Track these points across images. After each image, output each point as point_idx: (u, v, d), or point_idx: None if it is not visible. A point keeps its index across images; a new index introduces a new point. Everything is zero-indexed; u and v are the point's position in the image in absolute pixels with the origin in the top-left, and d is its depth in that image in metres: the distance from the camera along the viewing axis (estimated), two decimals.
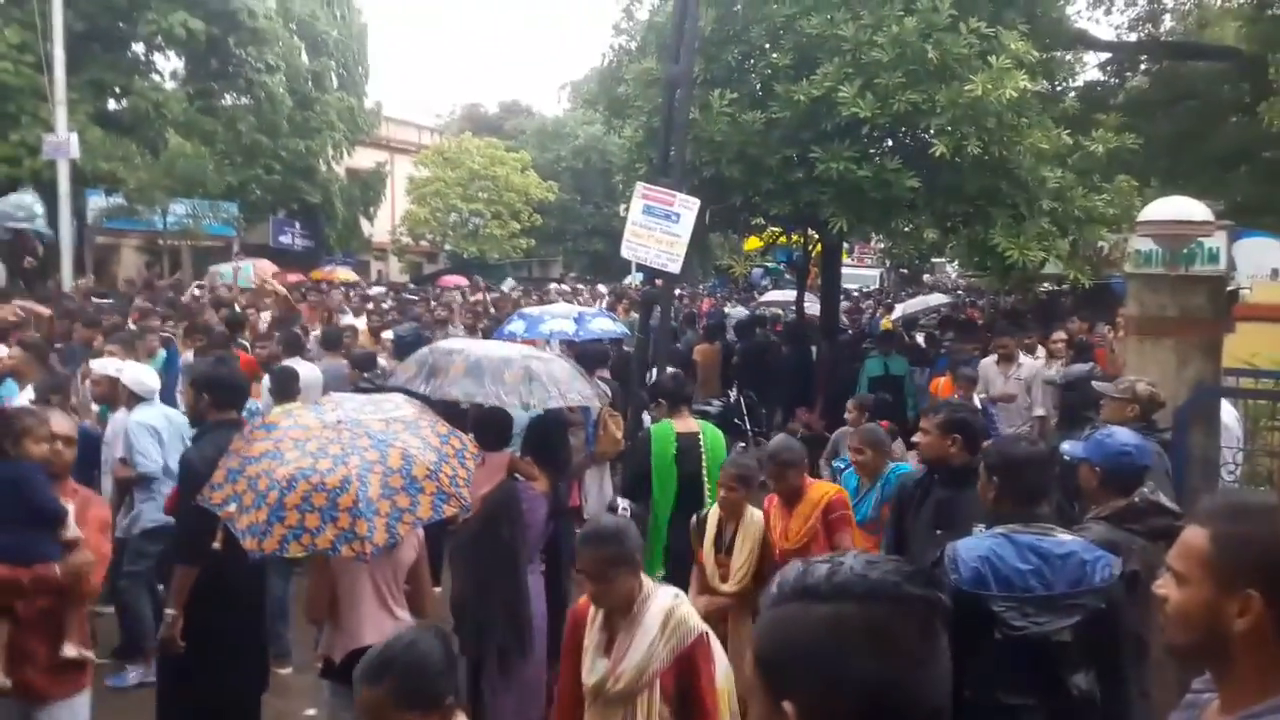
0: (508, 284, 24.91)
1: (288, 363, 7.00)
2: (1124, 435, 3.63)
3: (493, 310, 14.72)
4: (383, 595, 3.82)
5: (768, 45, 8.89)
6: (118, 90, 21.18)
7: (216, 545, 3.77)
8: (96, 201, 20.42)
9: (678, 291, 16.65)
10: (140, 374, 5.78)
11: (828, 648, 1.08)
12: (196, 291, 13.73)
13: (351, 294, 17.71)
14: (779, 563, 4.28)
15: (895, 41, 7.75)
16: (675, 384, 5.86)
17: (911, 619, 1.09)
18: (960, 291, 26.23)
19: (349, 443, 3.53)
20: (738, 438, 10.38)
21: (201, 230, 20.39)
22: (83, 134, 17.03)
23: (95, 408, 6.23)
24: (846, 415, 6.81)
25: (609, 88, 10.18)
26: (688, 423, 5.50)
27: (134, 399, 5.62)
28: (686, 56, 7.52)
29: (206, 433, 4.38)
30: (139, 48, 22.13)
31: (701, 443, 5.41)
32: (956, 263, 23.09)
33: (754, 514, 4.52)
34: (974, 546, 2.85)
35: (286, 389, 6.27)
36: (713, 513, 4.60)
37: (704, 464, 5.34)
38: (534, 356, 5.01)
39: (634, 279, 25.61)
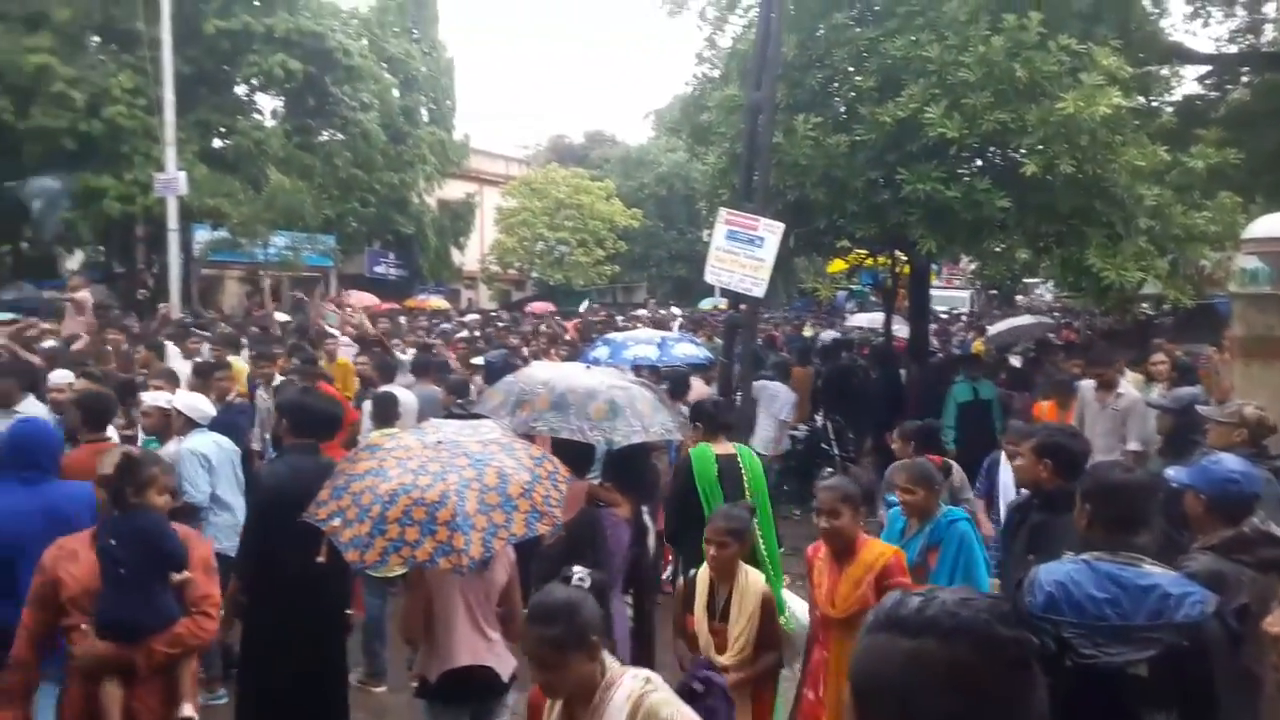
0: (583, 306, 25.19)
1: (385, 389, 7.21)
2: (1231, 462, 3.49)
3: (566, 335, 14.82)
4: (475, 616, 3.89)
5: (851, 69, 8.87)
6: (222, 129, 22.22)
7: (320, 559, 3.90)
8: (202, 235, 21.40)
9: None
10: (194, 399, 5.86)
11: (908, 682, 1.08)
12: (281, 317, 14.12)
13: (437, 321, 18.11)
14: (817, 624, 4.05)
15: (982, 61, 7.65)
16: (715, 409, 5.84)
17: (998, 659, 1.08)
18: (1055, 313, 25.47)
19: (448, 461, 3.66)
20: (825, 463, 10.28)
21: (300, 262, 21.16)
22: (190, 172, 17.89)
23: (142, 438, 6.08)
24: (893, 446, 6.24)
25: (692, 115, 10.27)
26: (725, 446, 5.50)
27: (189, 425, 5.62)
28: (769, 82, 7.56)
29: (281, 455, 4.60)
30: (241, 89, 23.21)
31: (740, 464, 5.40)
32: (1051, 283, 22.47)
33: (750, 576, 4.01)
34: (1052, 571, 2.78)
35: (386, 414, 6.47)
36: (702, 574, 4.08)
37: (746, 484, 5.32)
38: (618, 387, 4.95)
39: (712, 302, 25.60)
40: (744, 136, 7.97)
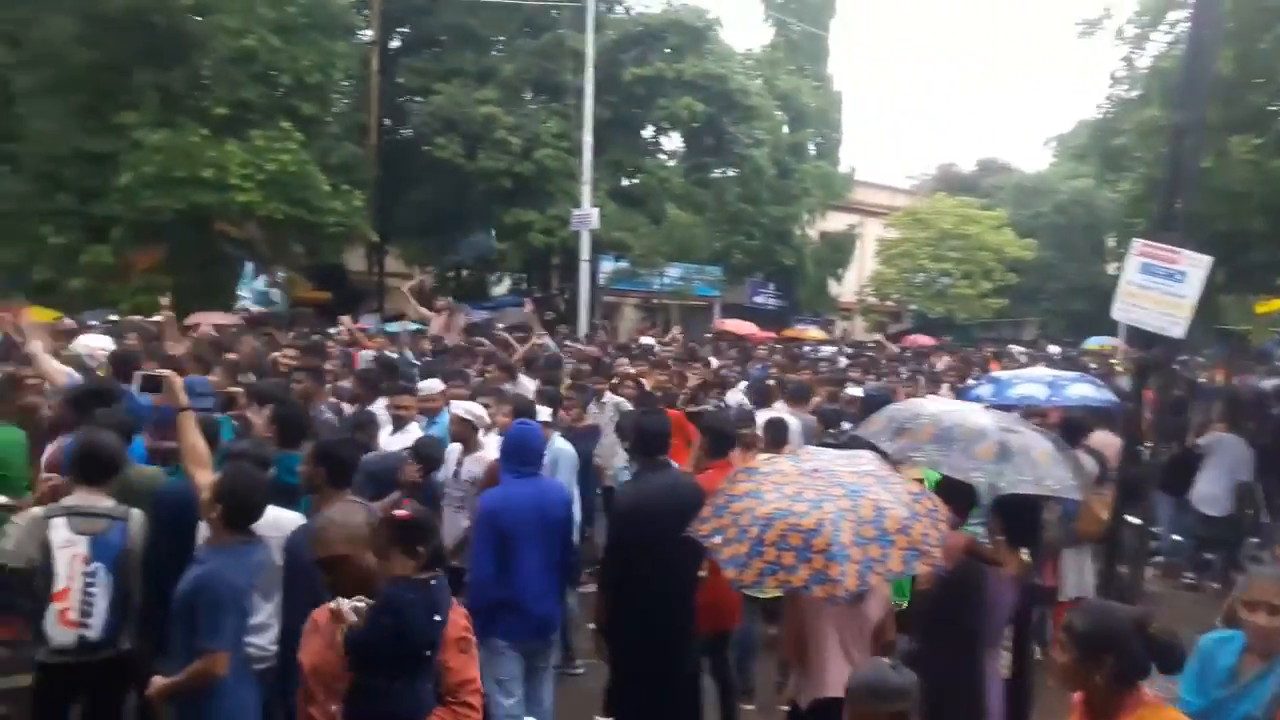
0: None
1: (775, 414, 7.48)
2: None
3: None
4: (847, 648, 3.89)
5: None
6: (631, 169, 24.25)
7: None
8: (607, 265, 23.51)
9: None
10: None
11: None
12: (650, 341, 14.92)
13: (813, 348, 18.19)
14: None
15: None
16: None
17: None
18: None
19: (823, 490, 3.68)
20: (1253, 532, 8.95)
21: (691, 291, 22.49)
22: (602, 208, 19.76)
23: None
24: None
25: (1103, 139, 9.56)
26: None
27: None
28: (1198, 101, 6.82)
29: (637, 474, 4.95)
30: (649, 131, 25.18)
31: None
32: None
33: None
34: None
35: (777, 438, 6.71)
36: None
37: None
38: (1013, 431, 4.58)
39: (1101, 341, 23.15)
40: (1166, 160, 7.24)
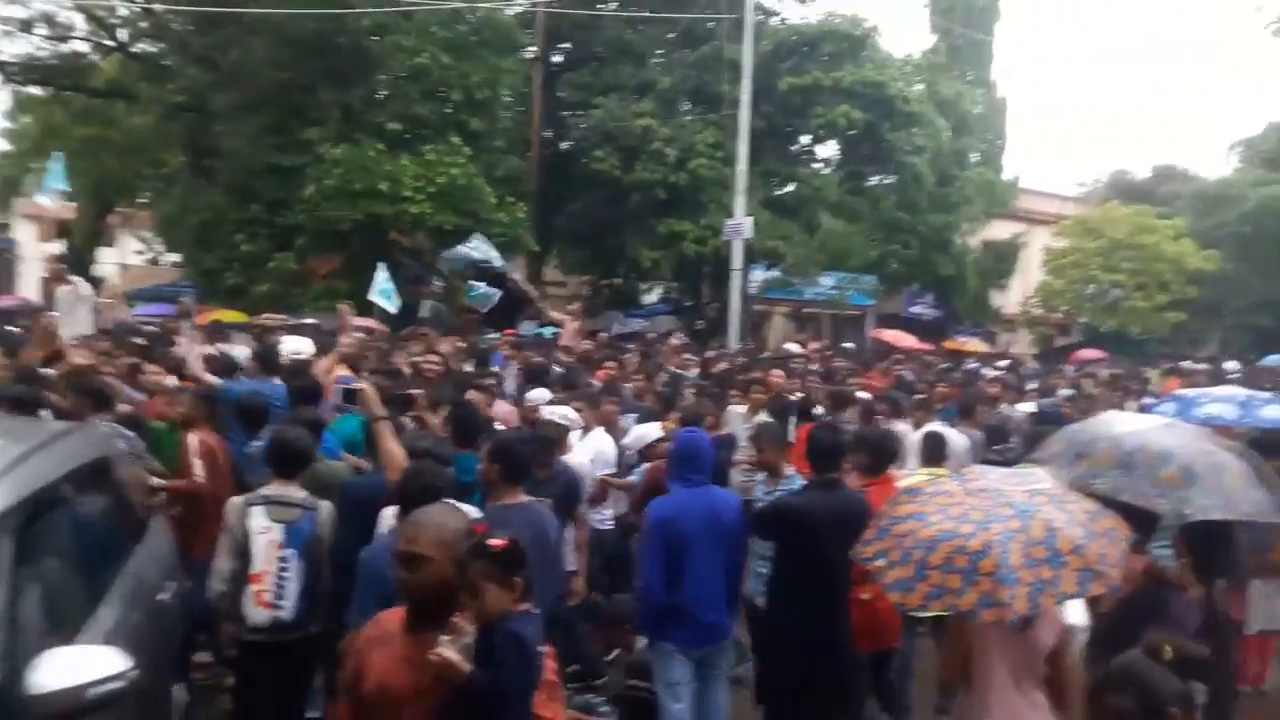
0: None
1: (932, 428, 7.32)
2: None
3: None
4: (1017, 676, 3.75)
5: None
6: (784, 178, 24.11)
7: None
8: (758, 274, 23.43)
9: None
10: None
11: None
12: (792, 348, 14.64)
13: (977, 363, 17.54)
14: None
15: None
16: None
17: None
18: None
19: (990, 510, 3.57)
20: None
21: (845, 300, 22.10)
22: (755, 217, 19.72)
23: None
24: None
25: None
26: None
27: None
28: None
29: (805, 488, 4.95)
30: (804, 139, 24.96)
31: None
32: None
33: None
34: None
35: (935, 453, 6.57)
36: None
37: None
38: (1203, 452, 4.35)
39: (1276, 359, 21.30)
40: None
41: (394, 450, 4.40)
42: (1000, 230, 30.50)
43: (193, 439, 5.83)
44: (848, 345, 18.92)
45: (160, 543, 4.66)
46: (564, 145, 25.17)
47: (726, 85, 20.04)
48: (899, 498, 3.96)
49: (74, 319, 9.33)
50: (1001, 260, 30.02)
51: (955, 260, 26.79)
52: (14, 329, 9.49)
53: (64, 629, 3.09)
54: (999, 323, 32.48)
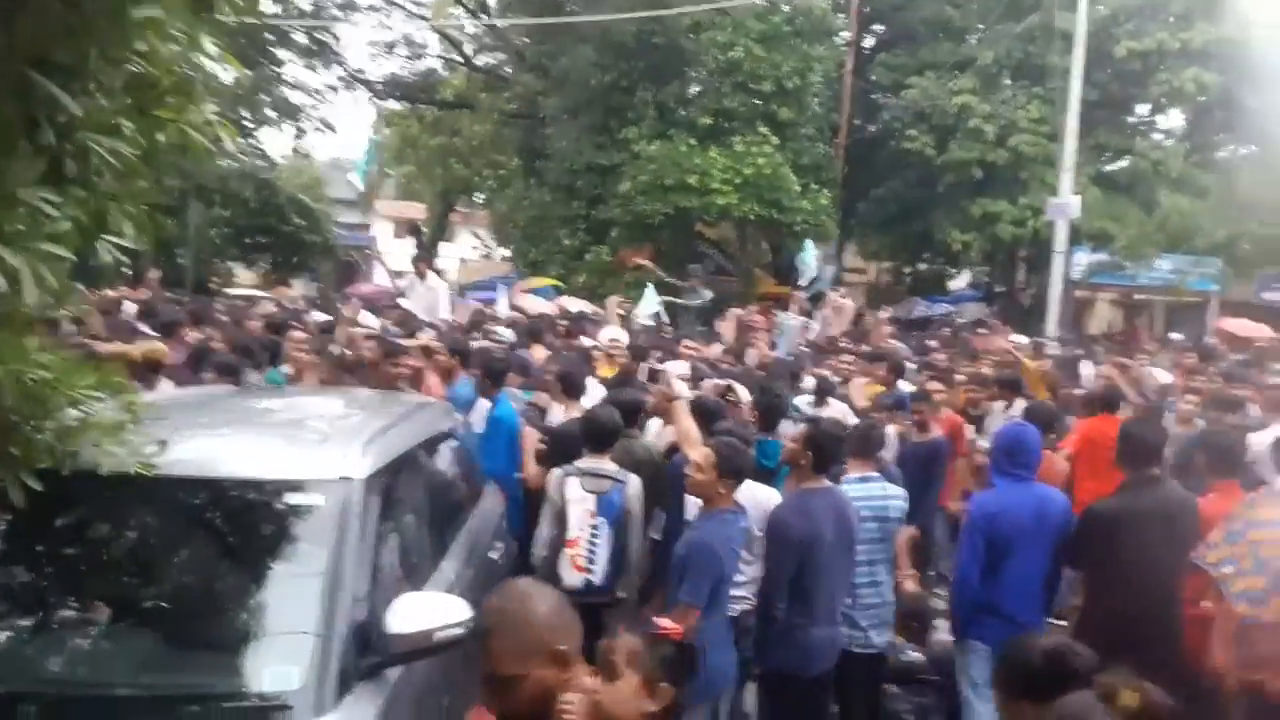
0: None
1: None
2: None
3: None
4: None
5: None
6: (1117, 152, 22.00)
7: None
8: (1081, 257, 21.54)
9: None
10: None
11: None
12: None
13: None
14: None
15: None
16: None
17: None
18: None
19: None
20: None
21: (1184, 286, 19.79)
22: (1083, 195, 18.17)
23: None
24: None
25: None
26: None
27: None
28: None
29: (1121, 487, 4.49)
30: (1143, 109, 22.60)
31: None
32: None
33: None
34: None
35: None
36: None
37: None
38: None
39: None
40: None
41: (690, 428, 4.60)
42: None
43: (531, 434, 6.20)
44: (1175, 336, 16.76)
45: (492, 505, 5.20)
46: (871, 129, 24.76)
47: (1056, 56, 18.59)
48: (1257, 500, 3.60)
49: (430, 306, 10.98)
50: None
51: None
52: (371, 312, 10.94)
53: (414, 578, 3.55)
54: None
